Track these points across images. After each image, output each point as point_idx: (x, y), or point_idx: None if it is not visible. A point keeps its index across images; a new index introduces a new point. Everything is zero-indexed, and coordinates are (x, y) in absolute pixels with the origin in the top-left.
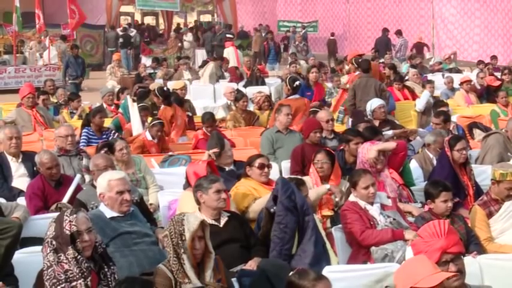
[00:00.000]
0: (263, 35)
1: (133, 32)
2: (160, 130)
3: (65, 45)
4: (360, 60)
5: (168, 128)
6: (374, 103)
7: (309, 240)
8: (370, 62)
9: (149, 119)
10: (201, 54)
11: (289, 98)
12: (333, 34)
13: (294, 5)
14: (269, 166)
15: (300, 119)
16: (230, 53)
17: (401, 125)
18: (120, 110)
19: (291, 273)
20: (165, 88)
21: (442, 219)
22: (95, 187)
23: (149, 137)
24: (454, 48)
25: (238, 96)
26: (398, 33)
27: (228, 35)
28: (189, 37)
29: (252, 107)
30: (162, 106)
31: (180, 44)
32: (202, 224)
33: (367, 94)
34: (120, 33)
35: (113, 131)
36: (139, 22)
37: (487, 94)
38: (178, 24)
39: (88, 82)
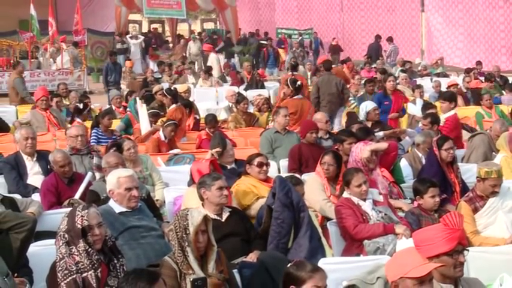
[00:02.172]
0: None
1: (139, 39)
2: (174, 130)
3: (76, 51)
4: (292, 63)
5: None
6: (369, 105)
7: (304, 235)
8: (331, 62)
9: (159, 121)
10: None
11: (294, 98)
12: (334, 39)
13: (291, 14)
14: (267, 164)
15: (305, 120)
16: (215, 60)
17: (390, 126)
18: (128, 109)
19: (289, 265)
20: (172, 88)
21: (431, 214)
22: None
23: (162, 137)
24: (441, 55)
25: (239, 99)
26: (389, 39)
27: (262, 42)
28: (198, 44)
29: (252, 109)
30: (173, 106)
31: (184, 54)
32: (205, 218)
33: (329, 89)
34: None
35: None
36: (149, 29)
37: (472, 97)
38: (182, 35)
39: (98, 85)
